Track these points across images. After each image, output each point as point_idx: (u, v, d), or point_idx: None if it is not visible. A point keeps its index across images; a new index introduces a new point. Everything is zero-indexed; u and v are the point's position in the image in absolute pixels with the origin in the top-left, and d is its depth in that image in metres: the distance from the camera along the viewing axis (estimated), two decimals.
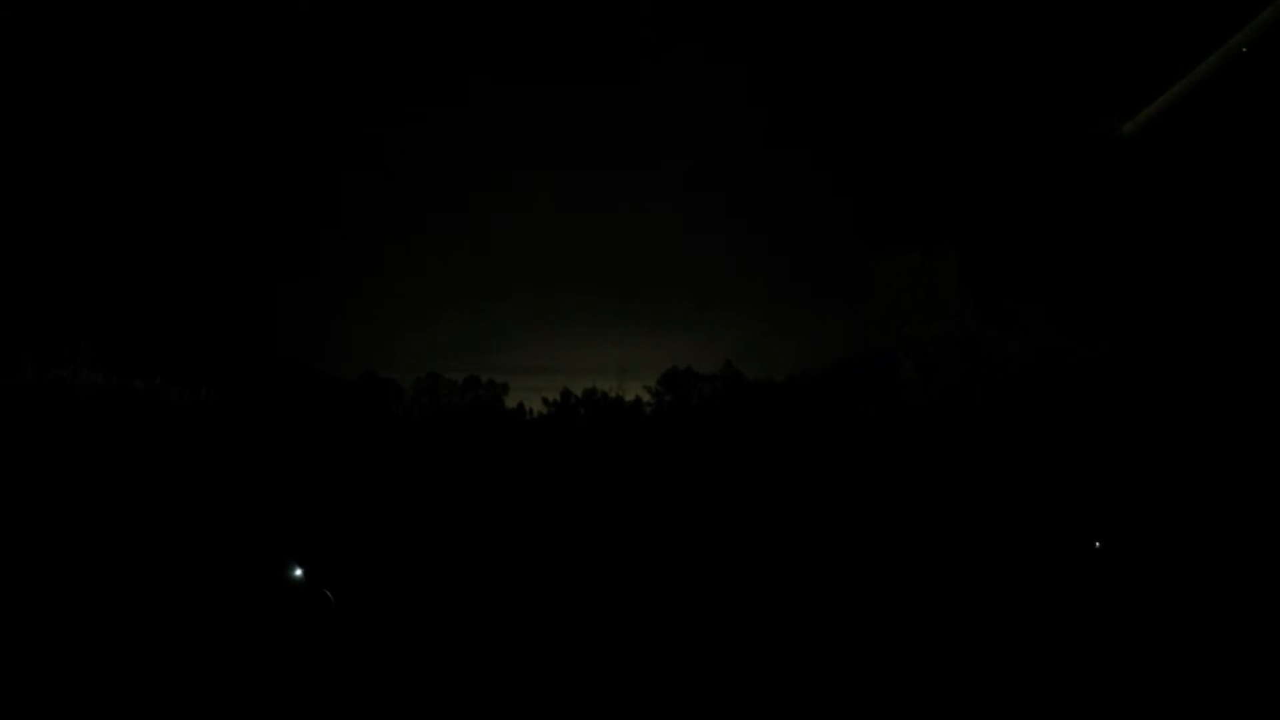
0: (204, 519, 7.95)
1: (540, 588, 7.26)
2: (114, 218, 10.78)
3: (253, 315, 11.67)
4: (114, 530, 7.58)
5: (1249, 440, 7.37)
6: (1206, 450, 7.55)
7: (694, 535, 8.49)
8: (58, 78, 10.31)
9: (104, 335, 9.95)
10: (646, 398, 12.35)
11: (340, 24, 11.57)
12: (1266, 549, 6.35)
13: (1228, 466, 7.29)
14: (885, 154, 12.02)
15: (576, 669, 5.47)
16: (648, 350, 13.00)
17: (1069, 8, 9.84)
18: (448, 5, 11.87)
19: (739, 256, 13.27)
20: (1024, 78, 10.32)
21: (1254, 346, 7.79)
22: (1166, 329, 8.69)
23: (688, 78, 12.76)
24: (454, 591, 7.10)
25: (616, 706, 4.98)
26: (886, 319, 10.76)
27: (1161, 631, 5.56)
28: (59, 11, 10.03)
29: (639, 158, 13.22)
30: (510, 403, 12.44)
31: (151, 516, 7.91)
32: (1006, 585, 6.66)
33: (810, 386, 11.49)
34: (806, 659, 5.54)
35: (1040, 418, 9.09)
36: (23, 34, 9.91)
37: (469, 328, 13.26)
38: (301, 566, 6.42)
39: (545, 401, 12.33)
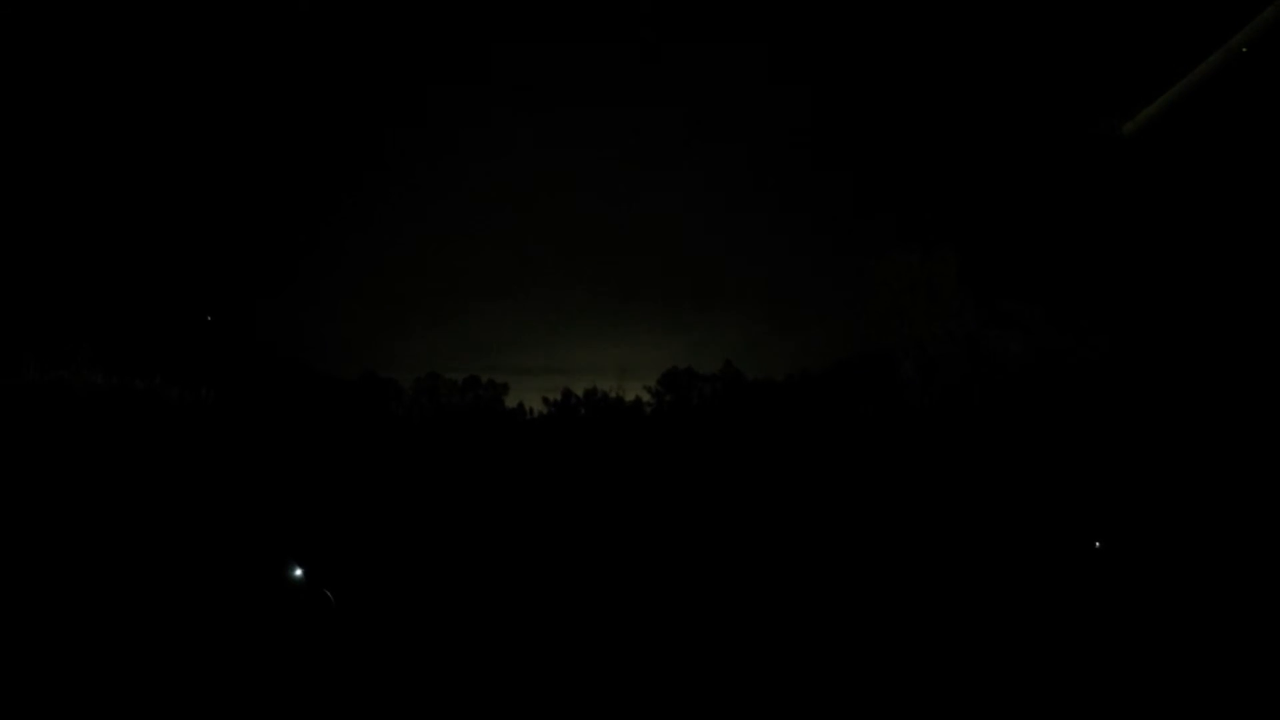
0: (204, 519, 7.95)
1: (540, 588, 7.26)
2: (114, 218, 10.78)
3: (253, 315, 11.67)
4: (114, 530, 7.58)
5: (1249, 440, 7.37)
6: (1207, 450, 7.55)
7: (694, 535, 8.50)
8: (58, 77, 10.31)
9: (104, 335, 9.96)
10: (646, 398, 12.36)
11: (342, 23, 11.57)
12: (1266, 549, 6.35)
13: (1228, 466, 7.28)
14: (885, 154, 12.02)
15: (576, 668, 5.47)
16: (648, 350, 13.00)
17: (1069, 8, 9.84)
18: (448, 5, 11.87)
19: (739, 256, 13.26)
20: (1024, 78, 10.31)
21: (1254, 346, 7.79)
22: (1167, 329, 8.69)
23: (688, 78, 12.77)
24: (454, 592, 7.11)
25: (616, 706, 4.98)
26: (886, 319, 10.76)
27: (1161, 631, 5.56)
28: (59, 11, 10.04)
29: (639, 158, 13.21)
30: (510, 403, 12.45)
31: (152, 517, 7.92)
32: (1007, 585, 6.66)
33: (810, 386, 11.49)
34: (806, 658, 5.54)
35: (1040, 418, 9.09)
36: (23, 34, 9.91)
37: (469, 328, 13.26)
38: (301, 566, 6.42)
39: (545, 401, 12.34)
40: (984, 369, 9.89)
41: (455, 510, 9.19)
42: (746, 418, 11.46)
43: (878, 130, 12.02)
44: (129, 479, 8.47)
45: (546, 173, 13.29)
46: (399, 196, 12.88)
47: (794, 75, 12.36)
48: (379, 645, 5.92)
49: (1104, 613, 6.00)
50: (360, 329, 12.80)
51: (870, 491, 8.91)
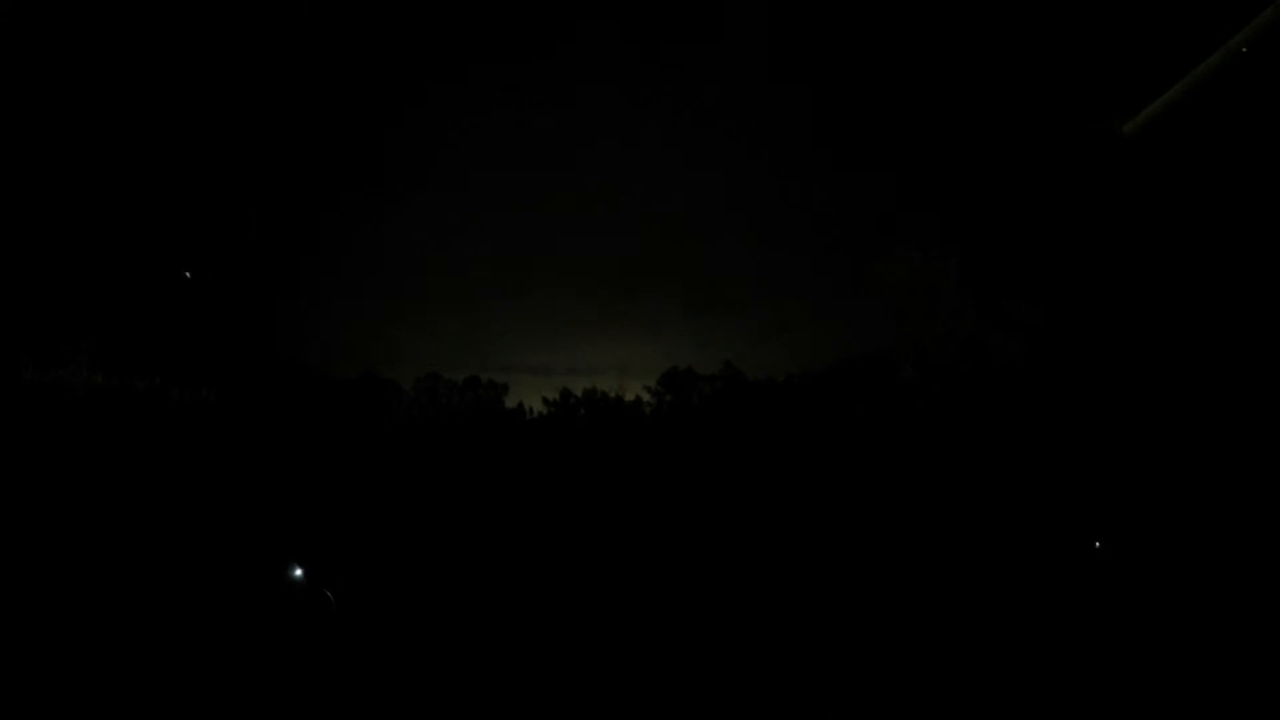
0: (205, 519, 7.95)
1: (540, 588, 7.26)
2: (114, 218, 10.78)
3: (253, 315, 11.67)
4: (115, 530, 7.58)
5: (1249, 440, 7.36)
6: (1207, 450, 7.55)
7: (694, 535, 8.49)
8: (58, 77, 10.31)
9: (104, 335, 9.95)
10: (646, 398, 12.36)
11: (341, 23, 11.57)
12: (1266, 549, 6.35)
13: (1228, 466, 7.28)
14: (886, 154, 12.02)
15: (576, 667, 5.47)
16: (648, 350, 13.00)
17: (1069, 8, 9.84)
18: (448, 5, 11.88)
19: (740, 257, 13.27)
20: (1025, 78, 10.31)
21: (1254, 346, 7.79)
22: (1167, 329, 8.68)
23: (688, 78, 12.77)
24: (454, 591, 7.10)
25: (616, 705, 4.98)
26: (886, 319, 10.77)
27: (1161, 631, 5.56)
28: (59, 11, 10.04)
29: (640, 157, 13.22)
30: (510, 403, 12.44)
31: (152, 517, 7.91)
32: (1007, 585, 6.66)
33: (810, 386, 11.49)
34: (806, 656, 5.53)
35: (1040, 418, 9.08)
36: (23, 34, 9.91)
37: (469, 327, 13.26)
38: (301, 566, 6.42)
39: (545, 401, 12.33)
40: (984, 369, 9.89)
41: (455, 511, 9.19)
42: (747, 418, 11.45)
43: (878, 130, 12.03)
44: (129, 479, 8.46)
45: (546, 173, 13.30)
46: (399, 196, 12.89)
47: (794, 75, 12.37)
48: (378, 645, 5.92)
49: (1104, 612, 6.00)
50: (360, 329, 12.81)
51: (870, 491, 8.90)
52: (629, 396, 12.29)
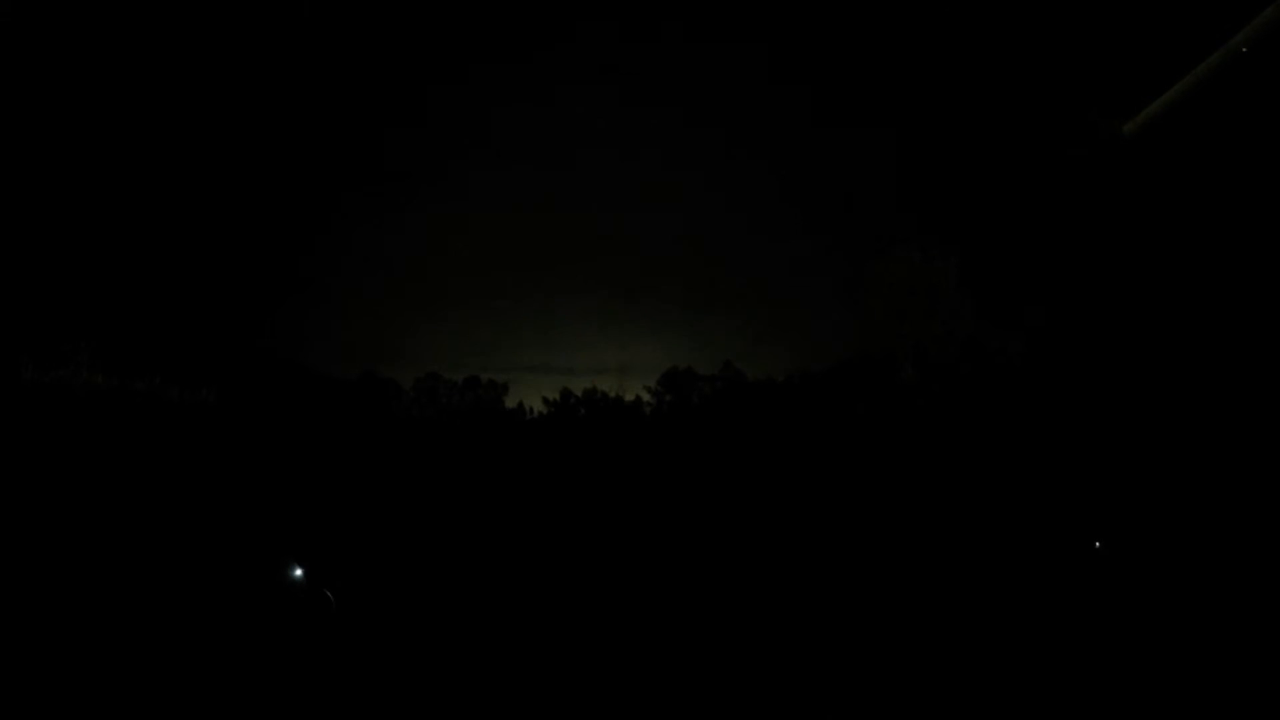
0: (205, 519, 7.95)
1: (540, 587, 7.26)
2: (114, 218, 10.79)
3: (253, 315, 11.68)
4: (115, 530, 7.58)
5: (1249, 440, 7.36)
6: (1207, 450, 7.55)
7: (694, 534, 8.49)
8: (59, 78, 10.32)
9: (104, 335, 9.95)
10: (646, 398, 12.36)
11: (341, 23, 11.57)
12: (1266, 549, 6.35)
13: (1228, 466, 7.28)
14: (886, 154, 12.03)
15: (576, 666, 5.47)
16: (648, 350, 13.00)
17: (1069, 8, 9.84)
18: (448, 5, 11.88)
19: (739, 257, 13.28)
20: (1025, 78, 10.32)
21: (1254, 346, 7.78)
22: (1167, 329, 8.68)
23: (688, 79, 12.78)
24: (454, 591, 7.10)
25: (616, 704, 4.98)
26: (886, 319, 10.76)
27: (1161, 630, 5.56)
28: (59, 11, 10.04)
29: (640, 158, 13.23)
30: (510, 403, 12.44)
31: (153, 516, 7.91)
32: (1007, 584, 6.65)
33: (810, 386, 11.49)
34: (806, 655, 5.53)
35: (1040, 418, 9.08)
36: (23, 34, 9.91)
37: (469, 328, 13.26)
38: (301, 566, 6.43)
39: (545, 401, 12.33)
40: (984, 369, 9.89)
41: (455, 510, 9.19)
42: (747, 418, 11.45)
43: (879, 130, 12.04)
44: (129, 479, 8.46)
45: (547, 173, 13.31)
46: (399, 197, 12.90)
47: (794, 75, 12.38)
48: (378, 645, 5.92)
49: (1104, 612, 6.00)
50: (360, 329, 12.81)
51: (870, 491, 8.90)
52: (629, 396, 12.30)
